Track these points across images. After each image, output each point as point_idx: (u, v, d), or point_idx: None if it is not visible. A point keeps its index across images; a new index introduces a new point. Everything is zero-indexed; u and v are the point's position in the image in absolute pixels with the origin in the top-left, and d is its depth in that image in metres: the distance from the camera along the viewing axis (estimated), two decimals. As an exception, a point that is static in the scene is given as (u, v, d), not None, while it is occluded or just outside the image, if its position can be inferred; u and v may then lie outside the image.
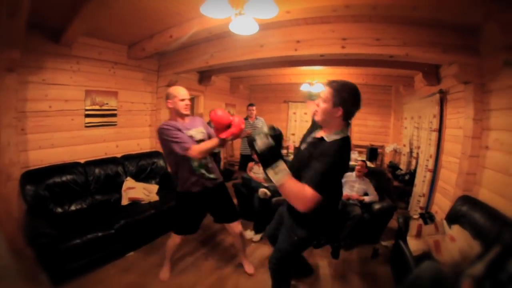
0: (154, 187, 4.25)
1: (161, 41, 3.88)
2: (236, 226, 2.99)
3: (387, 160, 6.78)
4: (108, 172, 4.01)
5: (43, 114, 3.58)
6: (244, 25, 2.54)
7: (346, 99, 1.69)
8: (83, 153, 4.01)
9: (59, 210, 3.42)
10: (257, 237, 3.92)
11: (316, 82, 6.07)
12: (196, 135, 2.68)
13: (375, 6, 2.60)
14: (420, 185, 4.70)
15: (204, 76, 6.17)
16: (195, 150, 2.47)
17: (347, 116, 1.74)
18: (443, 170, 4.17)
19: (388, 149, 6.59)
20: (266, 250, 3.58)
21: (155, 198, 4.06)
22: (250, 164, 4.77)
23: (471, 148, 3.18)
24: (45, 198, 3.33)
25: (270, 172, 1.53)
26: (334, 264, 3.33)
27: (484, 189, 3.06)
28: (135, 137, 4.79)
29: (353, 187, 4.08)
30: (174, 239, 2.94)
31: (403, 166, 5.93)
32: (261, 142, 1.52)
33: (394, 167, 5.85)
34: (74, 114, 3.91)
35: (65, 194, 3.52)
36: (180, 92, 2.67)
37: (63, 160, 3.78)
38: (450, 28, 3.07)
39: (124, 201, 3.87)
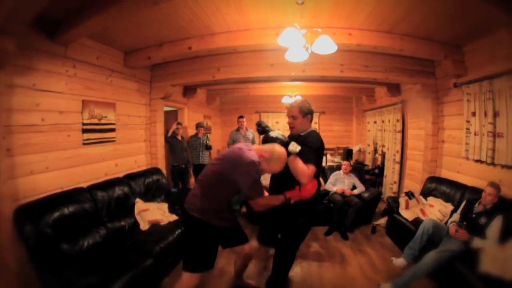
0: (165, 206, 3.28)
1: (174, 51, 3.13)
2: (250, 249, 2.22)
3: (353, 158, 6.75)
4: (117, 196, 2.87)
5: (35, 129, 2.32)
6: (299, 54, 2.47)
7: (308, 109, 2.17)
8: (82, 175, 2.79)
9: (73, 249, 2.25)
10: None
11: (295, 95, 5.87)
12: None
13: (376, 46, 3.00)
14: (390, 176, 5.10)
15: (189, 88, 5.25)
16: (260, 203, 1.86)
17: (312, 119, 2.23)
18: (408, 161, 4.70)
19: (355, 149, 6.82)
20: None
21: (172, 217, 3.15)
22: None
23: (431, 143, 3.84)
24: (52, 238, 2.14)
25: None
26: (348, 244, 3.51)
27: (444, 170, 3.78)
28: (132, 153, 3.64)
29: (344, 182, 4.19)
30: (189, 282, 1.87)
31: (368, 162, 6.25)
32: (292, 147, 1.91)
33: (361, 164, 6.08)
34: (71, 129, 2.67)
35: (75, 228, 2.35)
36: (274, 171, 1.95)
37: (60, 187, 2.53)
38: (415, 59, 3.65)
39: (144, 226, 2.86)
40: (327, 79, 4.40)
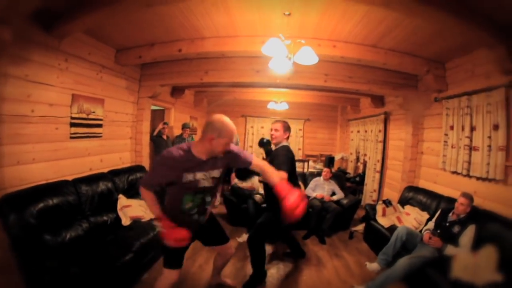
0: (147, 203, 3.47)
1: (165, 52, 3.23)
2: (230, 247, 2.29)
3: (335, 166, 6.92)
4: (101, 191, 2.94)
5: (24, 120, 2.40)
6: (282, 64, 2.61)
7: (288, 127, 2.66)
8: (67, 168, 2.86)
9: (55, 241, 2.32)
10: None
11: (281, 101, 6.05)
12: (203, 179, 1.79)
13: (359, 59, 3.16)
14: (371, 184, 5.25)
15: (177, 89, 5.30)
16: (143, 193, 1.76)
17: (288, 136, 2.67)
18: (388, 171, 4.87)
19: (337, 157, 6.95)
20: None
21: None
22: (233, 175, 4.44)
23: (411, 154, 3.99)
24: (35, 228, 2.21)
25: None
26: (325, 248, 3.60)
27: (422, 180, 3.93)
28: (117, 150, 3.71)
29: (324, 188, 4.33)
30: (170, 277, 1.92)
31: (350, 171, 6.41)
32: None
33: (343, 171, 6.21)
34: (59, 122, 2.74)
35: (58, 220, 2.43)
36: (233, 136, 1.77)
37: (46, 178, 2.61)
38: (398, 72, 3.77)
39: (126, 221, 2.93)
40: (312, 87, 4.54)
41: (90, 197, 2.83)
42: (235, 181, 4.38)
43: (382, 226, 3.43)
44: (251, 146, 8.00)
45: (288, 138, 2.68)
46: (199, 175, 1.77)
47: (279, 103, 6.12)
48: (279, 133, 2.60)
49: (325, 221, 3.90)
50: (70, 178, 2.81)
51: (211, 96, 6.84)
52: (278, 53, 2.39)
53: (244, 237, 3.67)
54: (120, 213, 3.01)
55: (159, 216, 1.75)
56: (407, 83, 3.92)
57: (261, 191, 4.28)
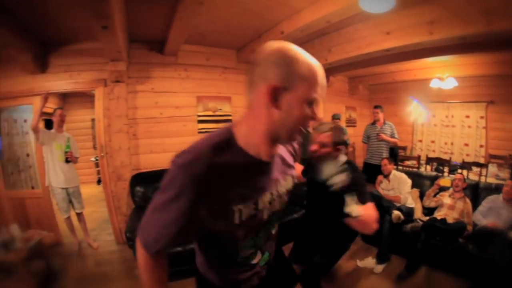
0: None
1: (271, 39, 2.95)
2: None
3: None
4: None
5: (154, 121, 3.22)
6: None
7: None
8: None
9: None
10: (380, 268, 2.56)
11: (447, 77, 4.22)
12: (269, 204, 0.82)
13: None
14: None
15: None
16: (139, 254, 0.77)
17: None
18: None
19: None
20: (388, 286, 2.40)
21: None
22: (380, 177, 3.24)
23: None
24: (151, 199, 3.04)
25: None
26: None
27: None
28: None
29: (500, 214, 2.58)
30: None
31: None
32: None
33: None
34: (186, 120, 3.41)
35: None
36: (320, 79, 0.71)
37: None
38: None
39: None
40: (472, 39, 2.40)
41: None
42: (380, 189, 3.08)
43: None
44: (420, 141, 5.86)
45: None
46: (265, 200, 0.80)
47: (445, 80, 4.21)
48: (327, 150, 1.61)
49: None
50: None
51: (366, 80, 5.66)
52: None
53: (366, 262, 2.65)
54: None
55: None
56: None
57: (409, 204, 2.93)
